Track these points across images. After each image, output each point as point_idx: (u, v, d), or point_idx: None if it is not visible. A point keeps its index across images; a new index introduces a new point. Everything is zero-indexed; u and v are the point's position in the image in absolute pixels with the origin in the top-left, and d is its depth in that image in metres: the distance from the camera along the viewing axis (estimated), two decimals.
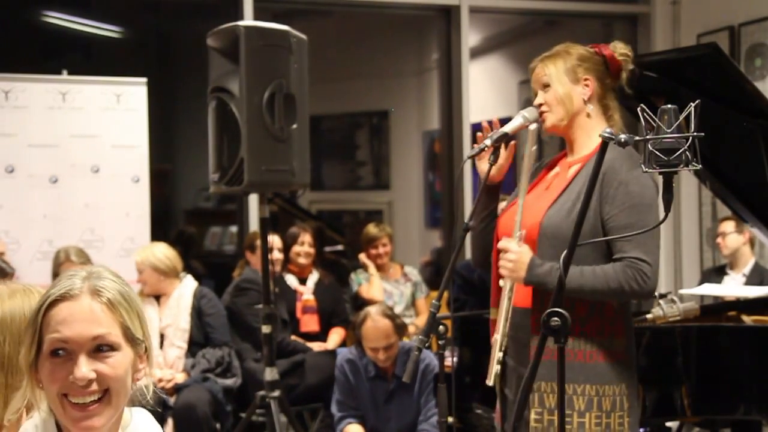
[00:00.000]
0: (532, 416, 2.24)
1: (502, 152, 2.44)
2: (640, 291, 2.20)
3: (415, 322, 5.20)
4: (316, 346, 4.77)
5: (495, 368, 2.24)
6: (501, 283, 2.31)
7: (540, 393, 2.25)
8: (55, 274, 4.44)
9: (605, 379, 2.24)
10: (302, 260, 4.99)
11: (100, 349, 1.42)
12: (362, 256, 5.37)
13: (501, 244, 2.24)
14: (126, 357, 1.46)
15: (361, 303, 5.08)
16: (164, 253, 4.32)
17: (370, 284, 5.21)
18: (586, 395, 2.23)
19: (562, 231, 2.19)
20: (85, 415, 1.41)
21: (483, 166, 2.44)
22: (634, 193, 2.22)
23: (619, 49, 2.44)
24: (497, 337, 2.23)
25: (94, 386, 1.41)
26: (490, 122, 2.44)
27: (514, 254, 2.22)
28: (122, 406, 1.48)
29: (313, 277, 5.06)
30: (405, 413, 3.79)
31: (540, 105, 2.41)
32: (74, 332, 1.41)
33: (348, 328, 4.98)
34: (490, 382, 2.26)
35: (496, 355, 2.24)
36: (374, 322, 3.74)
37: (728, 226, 4.96)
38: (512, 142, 2.45)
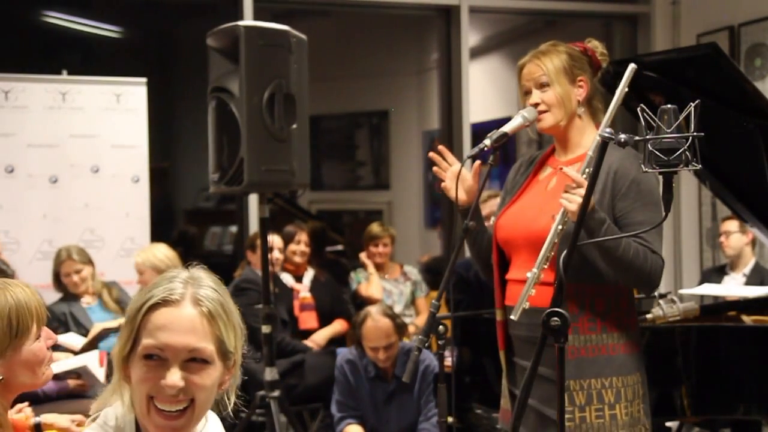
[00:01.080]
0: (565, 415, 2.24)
1: (467, 175, 2.43)
2: (656, 284, 2.25)
3: (415, 322, 5.20)
4: (312, 339, 4.76)
5: (524, 305, 2.17)
6: (556, 215, 2.21)
7: (569, 392, 2.26)
8: (56, 274, 4.43)
9: (626, 370, 2.30)
10: (298, 259, 5.00)
11: (193, 359, 1.42)
12: (362, 255, 5.38)
13: (574, 176, 2.12)
14: (216, 371, 1.45)
15: (360, 302, 5.08)
16: (165, 254, 4.32)
17: (369, 283, 5.22)
18: (614, 387, 2.28)
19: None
20: (168, 424, 1.42)
21: (453, 193, 2.40)
22: (645, 191, 2.26)
23: (598, 48, 2.45)
24: (535, 271, 2.17)
25: (182, 396, 1.41)
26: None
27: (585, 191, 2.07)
28: (203, 416, 1.48)
29: (309, 274, 5.06)
30: (405, 414, 3.79)
31: (536, 104, 2.39)
32: (172, 341, 1.40)
33: (349, 320, 4.99)
34: (515, 317, 2.19)
35: (528, 291, 2.17)
36: (375, 321, 3.74)
37: (732, 225, 4.95)
38: (477, 163, 2.41)
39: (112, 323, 4.43)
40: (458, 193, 2.40)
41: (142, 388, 1.41)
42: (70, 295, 4.40)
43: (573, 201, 2.11)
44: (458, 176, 2.38)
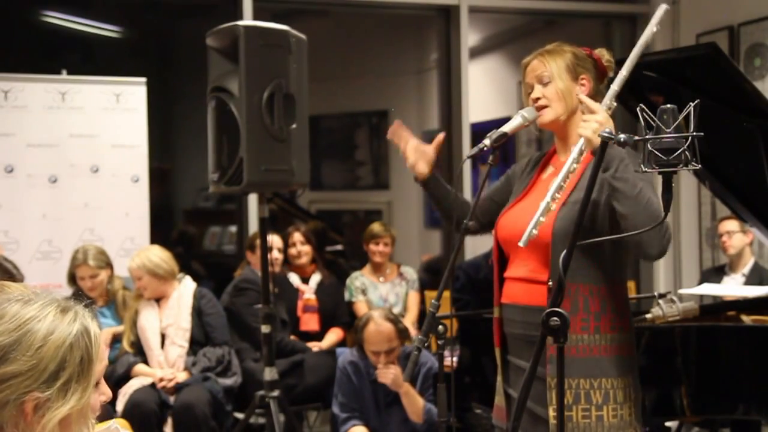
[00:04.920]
0: (550, 413, 2.25)
1: (428, 148, 2.57)
2: (668, 242, 2.19)
3: (405, 320, 5.17)
4: (311, 345, 4.77)
5: (532, 233, 2.16)
6: (578, 143, 2.23)
7: (557, 390, 2.25)
8: (71, 275, 4.42)
9: (617, 372, 2.29)
10: (299, 260, 5.02)
11: None
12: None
13: (588, 102, 2.18)
14: None
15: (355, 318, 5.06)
16: (160, 256, 4.27)
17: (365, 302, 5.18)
18: (603, 389, 2.27)
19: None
20: None
21: (419, 167, 2.58)
22: (641, 175, 2.23)
23: (605, 55, 2.46)
24: (548, 200, 2.17)
25: None
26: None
27: (603, 117, 2.15)
28: None
29: (316, 277, 5.08)
30: (406, 417, 3.78)
31: (537, 99, 2.39)
32: None
33: (347, 330, 4.99)
34: (523, 243, 2.17)
35: (537, 219, 2.16)
36: (377, 325, 3.74)
37: (732, 225, 4.95)
38: (440, 135, 2.58)
39: (119, 328, 4.43)
40: (420, 166, 2.56)
41: None
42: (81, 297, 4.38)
43: (588, 127, 2.12)
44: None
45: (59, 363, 1.34)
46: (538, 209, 2.19)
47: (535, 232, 2.17)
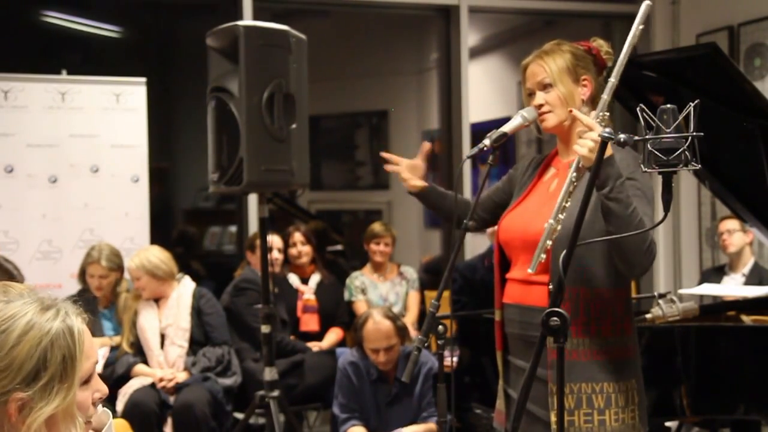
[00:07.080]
0: (552, 418, 2.23)
1: (420, 164, 2.63)
2: (650, 261, 2.16)
3: (405, 319, 5.18)
4: (312, 345, 4.77)
5: (540, 257, 2.16)
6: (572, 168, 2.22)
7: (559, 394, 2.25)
8: (82, 271, 4.43)
9: (620, 376, 2.27)
10: (299, 260, 5.02)
11: None
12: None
13: (584, 120, 2.13)
14: None
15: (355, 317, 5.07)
16: (158, 257, 4.27)
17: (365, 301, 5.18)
18: (605, 393, 2.25)
19: (581, 234, 2.16)
20: None
21: (411, 182, 2.61)
22: (638, 186, 2.22)
23: (603, 47, 2.44)
24: (551, 222, 2.17)
25: None
26: None
27: (598, 134, 2.05)
28: None
29: (315, 277, 5.08)
30: (406, 417, 3.78)
31: (540, 106, 2.38)
32: None
33: (346, 329, 4.99)
34: (531, 269, 2.19)
35: (543, 243, 2.16)
36: (376, 323, 3.74)
37: (732, 224, 4.95)
38: (425, 144, 2.66)
39: (115, 339, 4.43)
40: (414, 182, 2.61)
41: None
42: (87, 294, 4.40)
43: (584, 145, 2.08)
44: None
45: (37, 362, 1.32)
46: (544, 233, 2.19)
47: (543, 256, 2.17)
